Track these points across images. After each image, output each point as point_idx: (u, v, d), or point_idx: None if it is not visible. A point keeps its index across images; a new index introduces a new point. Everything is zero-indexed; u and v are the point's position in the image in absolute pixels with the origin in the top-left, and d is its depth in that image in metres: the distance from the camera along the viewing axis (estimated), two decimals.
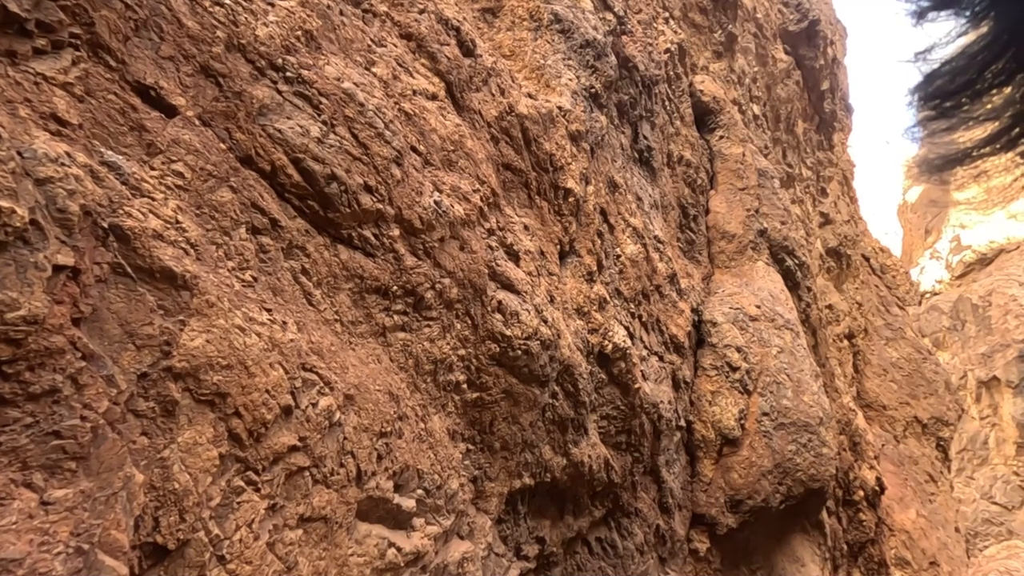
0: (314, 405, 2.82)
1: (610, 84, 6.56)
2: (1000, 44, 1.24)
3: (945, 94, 1.34)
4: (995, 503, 26.46)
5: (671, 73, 8.93)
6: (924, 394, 15.00)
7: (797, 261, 10.38)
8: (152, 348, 2.16)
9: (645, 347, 6.60)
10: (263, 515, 2.56)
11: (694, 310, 8.07)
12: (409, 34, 4.24)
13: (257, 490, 2.54)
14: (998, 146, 1.31)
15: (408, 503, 3.50)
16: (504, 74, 5.15)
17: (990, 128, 1.32)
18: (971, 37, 1.27)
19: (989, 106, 1.31)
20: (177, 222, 2.36)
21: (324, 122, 3.15)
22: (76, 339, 1.90)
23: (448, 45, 4.52)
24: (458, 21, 4.75)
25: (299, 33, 3.21)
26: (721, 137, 9.96)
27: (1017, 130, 1.28)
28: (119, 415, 2.02)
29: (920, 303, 29.38)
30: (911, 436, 14.47)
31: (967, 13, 1.26)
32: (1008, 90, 1.27)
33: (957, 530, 14.51)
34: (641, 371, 6.15)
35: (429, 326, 3.75)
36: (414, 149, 3.81)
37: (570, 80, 5.89)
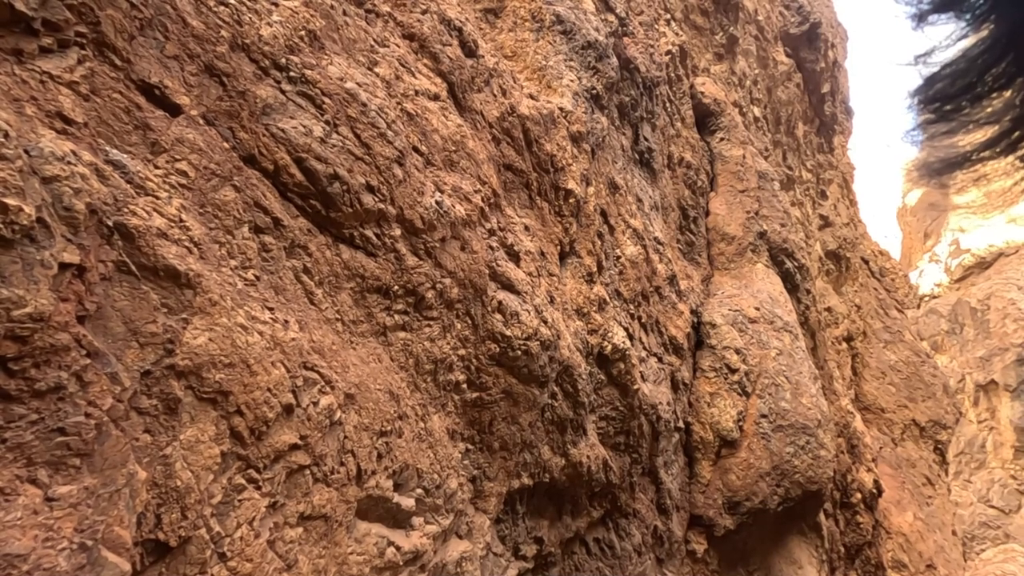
0: (315, 404, 2.83)
1: (611, 85, 6.57)
2: (1000, 47, 1.24)
3: (945, 97, 1.35)
4: (992, 506, 26.49)
5: (672, 75, 8.94)
6: (922, 397, 15.02)
7: (796, 263, 10.40)
8: (155, 346, 2.17)
9: (644, 348, 6.62)
10: (264, 513, 2.57)
11: (693, 312, 8.09)
12: (412, 34, 4.26)
13: (258, 488, 2.55)
14: (998, 150, 1.32)
15: (407, 502, 3.51)
16: (506, 75, 5.17)
17: (990, 132, 1.32)
18: (971, 40, 1.28)
19: (989, 109, 1.31)
20: (181, 221, 2.37)
21: (327, 122, 3.17)
22: (81, 336, 1.92)
23: (450, 46, 4.54)
24: (460, 22, 4.76)
25: (302, 33, 3.23)
26: (721, 139, 9.98)
27: (1017, 134, 1.29)
28: (123, 412, 2.03)
29: (919, 306, 29.41)
30: (909, 439, 14.50)
31: (967, 16, 1.27)
32: (1008, 94, 1.28)
33: (954, 533, 14.53)
34: (640, 372, 6.17)
35: (430, 326, 3.76)
36: (416, 149, 3.82)
37: (571, 81, 5.90)
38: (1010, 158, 1.33)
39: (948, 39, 1.30)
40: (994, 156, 1.34)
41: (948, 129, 1.36)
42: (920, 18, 1.31)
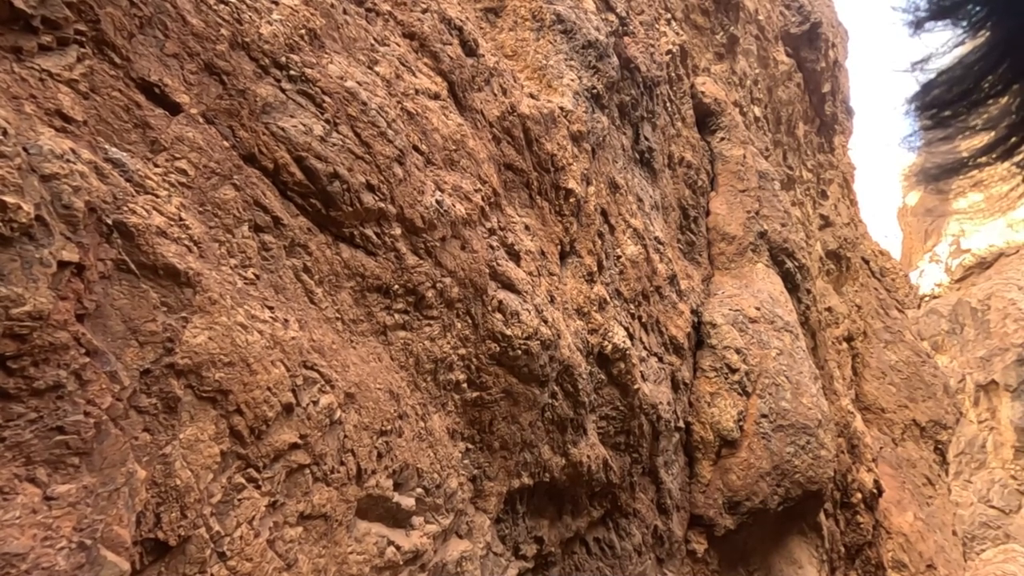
0: (315, 403, 2.83)
1: (612, 85, 6.56)
2: (997, 55, 1.24)
3: (942, 104, 1.35)
4: (992, 507, 26.49)
5: (672, 74, 8.94)
6: (922, 397, 15.02)
7: (797, 263, 10.40)
8: (155, 345, 2.17)
9: (645, 348, 6.61)
10: (264, 512, 2.57)
11: (694, 311, 8.09)
12: (412, 33, 4.25)
13: (258, 487, 2.55)
14: (995, 156, 1.32)
15: (407, 502, 3.50)
16: (506, 74, 5.16)
17: (987, 138, 1.32)
18: (968, 47, 1.28)
19: (986, 116, 1.31)
20: (180, 219, 2.37)
21: (327, 121, 3.16)
22: (80, 335, 1.91)
23: (451, 45, 4.53)
24: (461, 21, 4.76)
25: (303, 31, 3.22)
26: (722, 139, 9.97)
27: (1014, 140, 1.29)
28: (122, 411, 2.03)
29: (919, 306, 29.40)
30: (909, 439, 14.49)
31: (964, 23, 1.27)
32: (1004, 100, 1.28)
33: (954, 533, 14.52)
34: (640, 372, 6.16)
35: (430, 325, 3.76)
36: (416, 148, 3.81)
37: (572, 81, 5.90)
38: (1007, 164, 1.33)
39: (945, 46, 1.31)
40: (991, 162, 1.34)
41: (945, 135, 1.36)
42: (917, 25, 1.31)
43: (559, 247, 5.39)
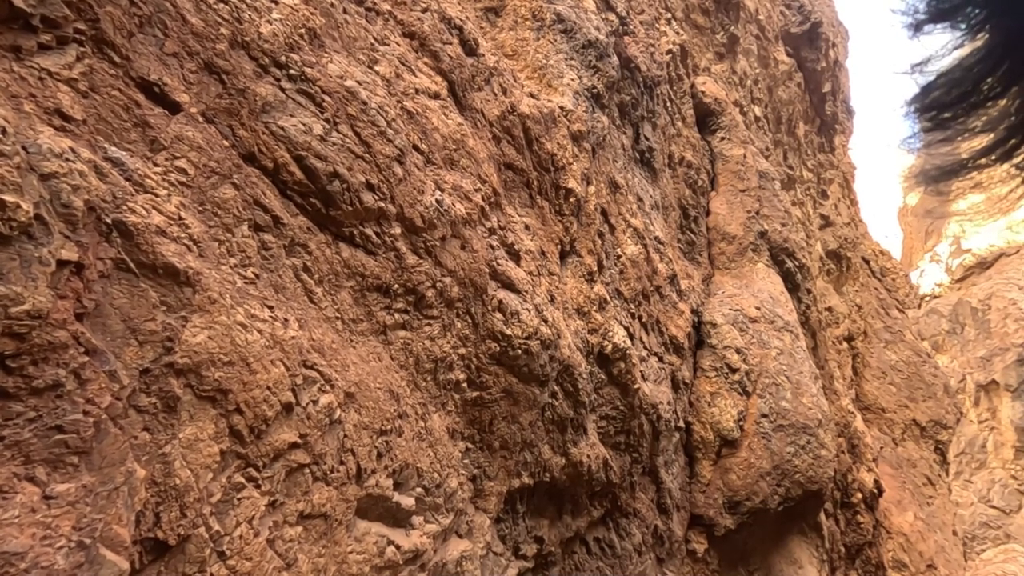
0: (315, 402, 2.83)
1: (612, 84, 6.56)
2: (996, 57, 1.25)
3: (941, 106, 1.35)
4: (993, 507, 26.47)
5: (673, 74, 8.93)
6: (923, 397, 15.01)
7: (797, 263, 10.39)
8: (154, 344, 2.17)
9: (645, 348, 6.61)
10: (263, 512, 2.57)
11: (694, 311, 8.08)
12: (412, 33, 4.25)
13: (257, 487, 2.54)
14: (994, 157, 1.32)
15: (407, 501, 3.50)
16: (506, 73, 5.16)
17: (986, 140, 1.32)
18: (967, 50, 1.28)
19: (985, 118, 1.31)
20: (180, 218, 2.36)
21: (327, 120, 3.16)
22: (79, 334, 1.91)
23: (451, 44, 4.53)
24: (461, 20, 4.76)
25: (302, 31, 3.22)
26: (722, 139, 9.97)
27: (1013, 142, 1.29)
28: (121, 410, 2.03)
29: (919, 306, 29.39)
30: (909, 439, 14.48)
31: (963, 26, 1.27)
32: (1004, 102, 1.28)
33: (955, 533, 14.52)
34: (640, 372, 6.16)
35: (430, 324, 3.76)
36: (416, 148, 3.81)
37: (572, 80, 5.89)
38: (1006, 166, 1.33)
39: (944, 48, 1.31)
40: (990, 164, 1.34)
41: (945, 137, 1.36)
42: (916, 27, 1.31)
43: (559, 247, 5.39)
